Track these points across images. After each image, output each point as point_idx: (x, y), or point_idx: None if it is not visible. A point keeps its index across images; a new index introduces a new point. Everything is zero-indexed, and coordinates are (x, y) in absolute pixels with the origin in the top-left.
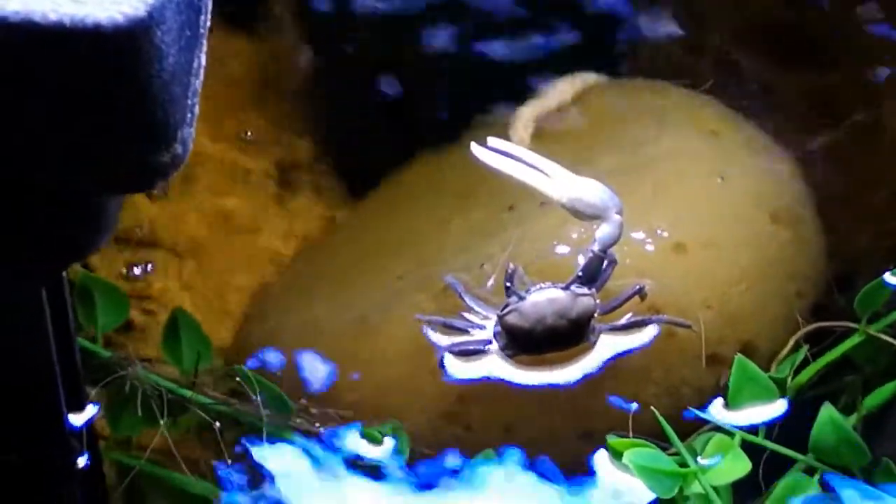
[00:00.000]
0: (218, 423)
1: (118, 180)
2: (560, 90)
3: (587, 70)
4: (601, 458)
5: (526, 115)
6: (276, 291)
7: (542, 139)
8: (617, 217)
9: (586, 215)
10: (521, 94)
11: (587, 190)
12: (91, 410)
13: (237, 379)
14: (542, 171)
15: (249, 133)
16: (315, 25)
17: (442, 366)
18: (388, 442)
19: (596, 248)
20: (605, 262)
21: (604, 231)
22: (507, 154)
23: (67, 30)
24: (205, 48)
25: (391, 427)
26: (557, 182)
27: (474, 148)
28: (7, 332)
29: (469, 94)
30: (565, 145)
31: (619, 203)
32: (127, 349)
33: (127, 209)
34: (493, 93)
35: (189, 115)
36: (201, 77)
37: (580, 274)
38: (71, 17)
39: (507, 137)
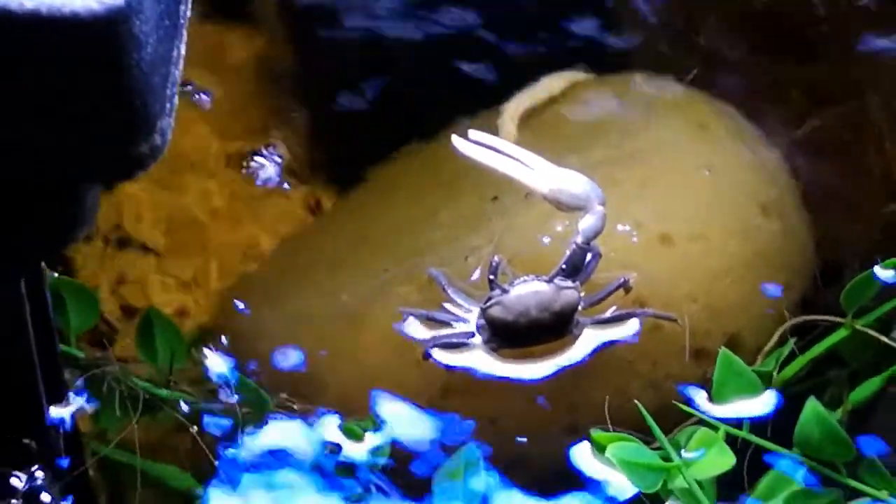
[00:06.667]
0: (195, 427)
1: (96, 171)
2: (548, 85)
3: (575, 66)
4: (583, 452)
5: (514, 110)
6: (258, 283)
7: (530, 133)
8: (600, 208)
9: (569, 206)
10: (508, 89)
11: (569, 181)
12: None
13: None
14: (524, 163)
15: (237, 123)
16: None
17: (428, 356)
18: (369, 437)
19: (579, 239)
20: (590, 255)
21: (587, 222)
22: (488, 146)
23: (44, 18)
24: (185, 38)
25: (372, 421)
26: (539, 173)
27: (456, 140)
28: None
29: (456, 88)
30: (553, 139)
31: (601, 194)
32: (111, 345)
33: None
34: (480, 87)
35: (168, 106)
36: (181, 67)
37: (563, 266)
38: (48, 5)
39: (494, 132)
